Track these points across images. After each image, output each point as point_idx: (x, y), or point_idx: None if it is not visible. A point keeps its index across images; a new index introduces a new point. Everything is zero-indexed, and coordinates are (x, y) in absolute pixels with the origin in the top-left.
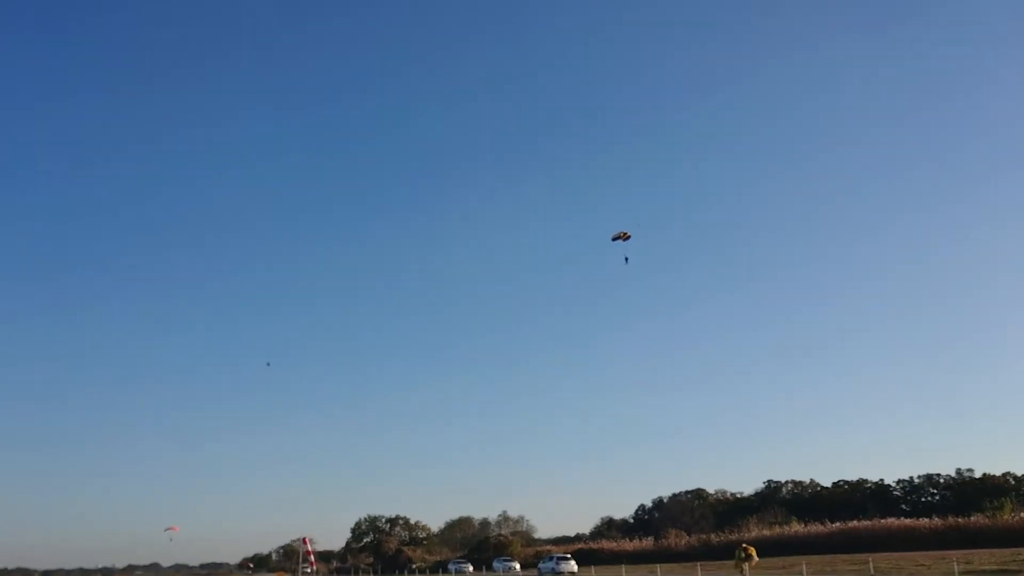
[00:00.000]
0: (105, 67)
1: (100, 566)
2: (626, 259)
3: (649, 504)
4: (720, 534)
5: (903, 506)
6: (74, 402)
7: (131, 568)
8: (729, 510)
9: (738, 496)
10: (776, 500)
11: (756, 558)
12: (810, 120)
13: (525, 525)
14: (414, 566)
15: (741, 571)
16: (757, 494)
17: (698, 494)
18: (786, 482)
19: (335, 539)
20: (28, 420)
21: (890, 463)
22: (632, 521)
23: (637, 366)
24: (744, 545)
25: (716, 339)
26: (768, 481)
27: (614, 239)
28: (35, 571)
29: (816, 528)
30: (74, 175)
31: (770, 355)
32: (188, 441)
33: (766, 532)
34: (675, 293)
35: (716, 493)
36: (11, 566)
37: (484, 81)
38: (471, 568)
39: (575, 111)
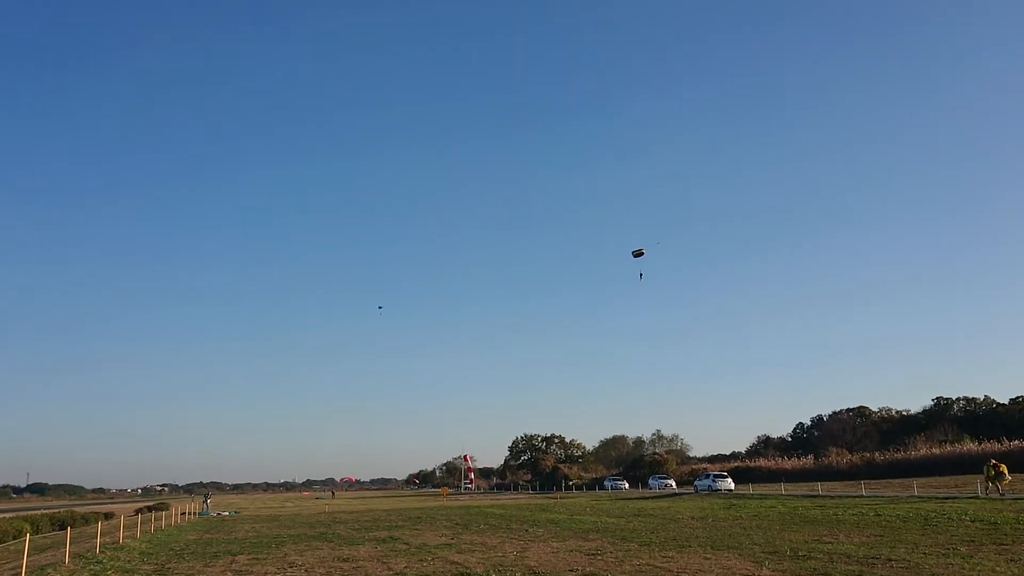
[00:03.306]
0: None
1: (282, 481)
2: (640, 275)
3: (808, 422)
4: (885, 452)
5: None
6: (262, 338)
7: (309, 483)
8: (894, 428)
9: (904, 414)
10: (946, 418)
11: (1008, 476)
12: None
13: (679, 444)
14: (571, 483)
15: (997, 490)
16: (925, 412)
17: (860, 412)
18: (957, 399)
19: (494, 457)
20: (227, 355)
21: None
22: (790, 439)
23: (796, 282)
24: (994, 462)
25: (881, 253)
26: (937, 398)
27: (635, 255)
28: (226, 485)
29: (992, 447)
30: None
31: (936, 269)
32: (359, 367)
33: (935, 450)
34: (838, 210)
35: (880, 411)
36: (206, 480)
37: None
38: (627, 485)
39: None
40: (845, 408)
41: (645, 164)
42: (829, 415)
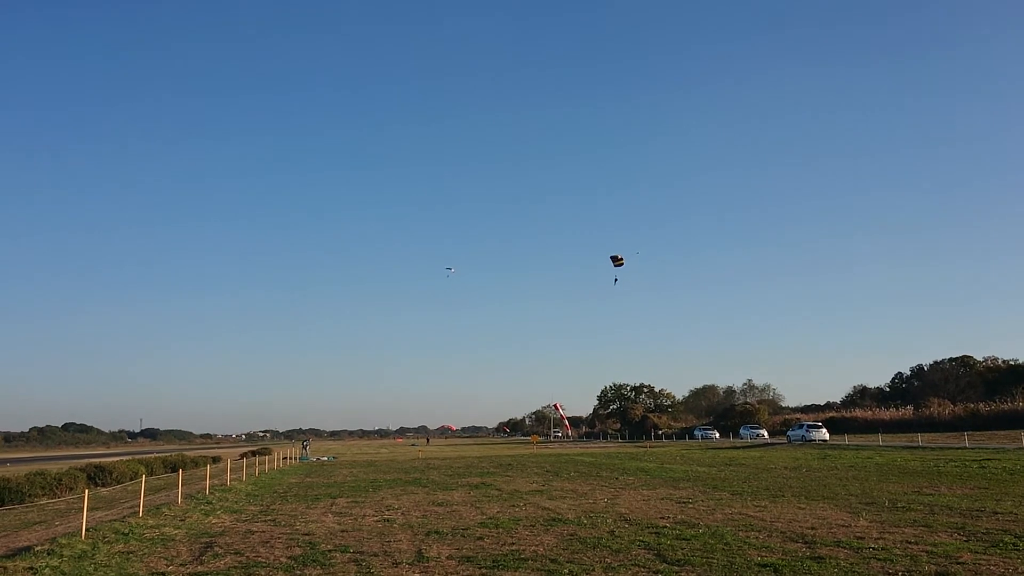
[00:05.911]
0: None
1: (376, 428)
2: (615, 280)
3: (907, 372)
4: (990, 403)
5: None
6: (357, 286)
7: (402, 431)
8: (1001, 378)
9: (1012, 363)
10: None
11: None
12: None
13: (771, 393)
14: (660, 432)
15: None
16: None
17: (963, 361)
18: None
19: (582, 406)
20: (325, 307)
21: None
22: (888, 390)
23: (894, 228)
24: None
25: (982, 199)
26: None
27: (616, 263)
28: (324, 431)
29: None
30: None
31: None
32: (450, 317)
33: None
34: (945, 153)
35: (985, 360)
36: (305, 427)
37: None
38: (717, 435)
39: None
40: (947, 357)
41: (753, 102)
42: (930, 365)
